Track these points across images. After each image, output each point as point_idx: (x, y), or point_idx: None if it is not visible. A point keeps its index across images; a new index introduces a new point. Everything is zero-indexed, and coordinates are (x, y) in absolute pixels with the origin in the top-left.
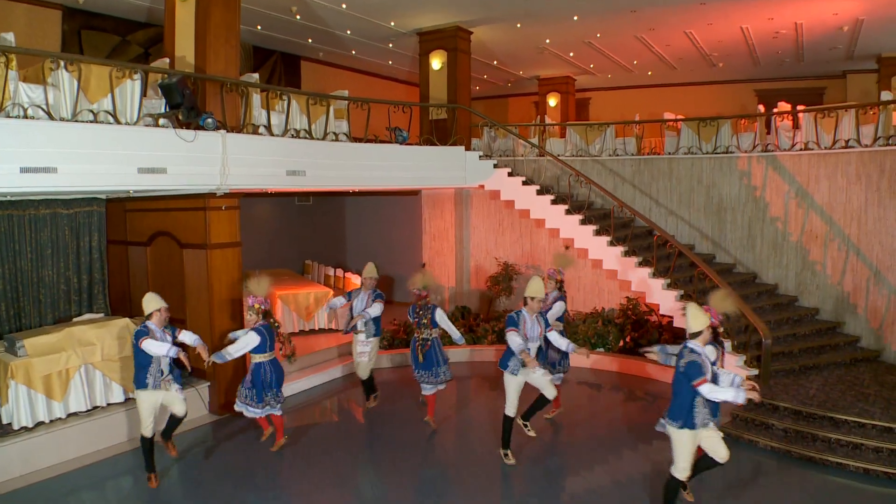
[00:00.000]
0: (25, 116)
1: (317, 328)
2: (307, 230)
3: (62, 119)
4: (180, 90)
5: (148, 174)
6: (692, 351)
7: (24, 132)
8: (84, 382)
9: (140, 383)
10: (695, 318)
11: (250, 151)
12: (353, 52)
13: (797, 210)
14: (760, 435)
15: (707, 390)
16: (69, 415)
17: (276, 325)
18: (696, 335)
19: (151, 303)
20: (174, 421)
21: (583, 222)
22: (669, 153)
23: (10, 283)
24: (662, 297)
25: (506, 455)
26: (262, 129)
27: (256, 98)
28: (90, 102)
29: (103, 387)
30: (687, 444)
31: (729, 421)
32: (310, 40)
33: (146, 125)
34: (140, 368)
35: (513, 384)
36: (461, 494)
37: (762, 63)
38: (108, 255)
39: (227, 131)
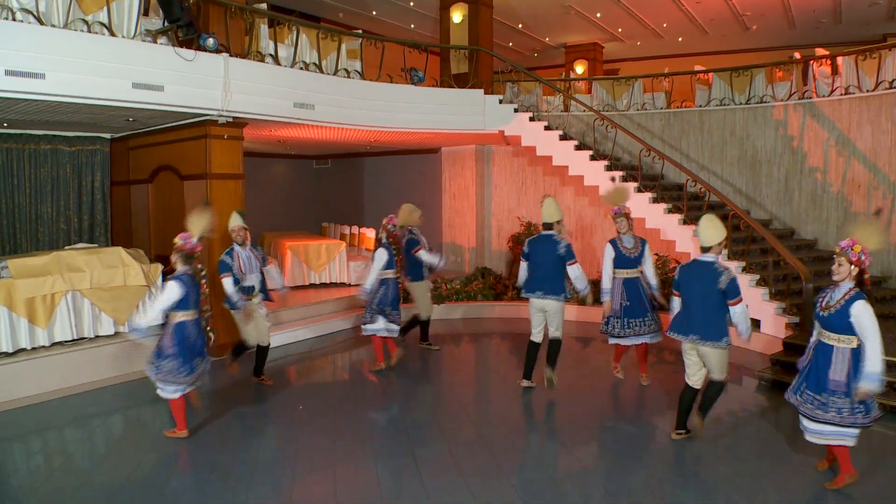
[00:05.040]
0: (13, 20)
1: (328, 281)
2: (325, 193)
3: (53, 26)
4: (179, 3)
5: (143, 90)
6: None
7: (12, 34)
8: (71, 310)
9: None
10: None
11: (255, 79)
12: (374, 13)
13: (838, 159)
14: None
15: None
16: (53, 343)
17: (203, 272)
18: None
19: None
20: None
21: (608, 168)
22: (700, 105)
23: (6, 219)
24: (693, 244)
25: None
26: (268, 60)
27: (264, 29)
28: (84, 13)
29: (92, 317)
30: None
31: (767, 367)
32: None
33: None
34: None
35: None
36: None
37: (798, 25)
38: (112, 196)
39: (231, 55)
